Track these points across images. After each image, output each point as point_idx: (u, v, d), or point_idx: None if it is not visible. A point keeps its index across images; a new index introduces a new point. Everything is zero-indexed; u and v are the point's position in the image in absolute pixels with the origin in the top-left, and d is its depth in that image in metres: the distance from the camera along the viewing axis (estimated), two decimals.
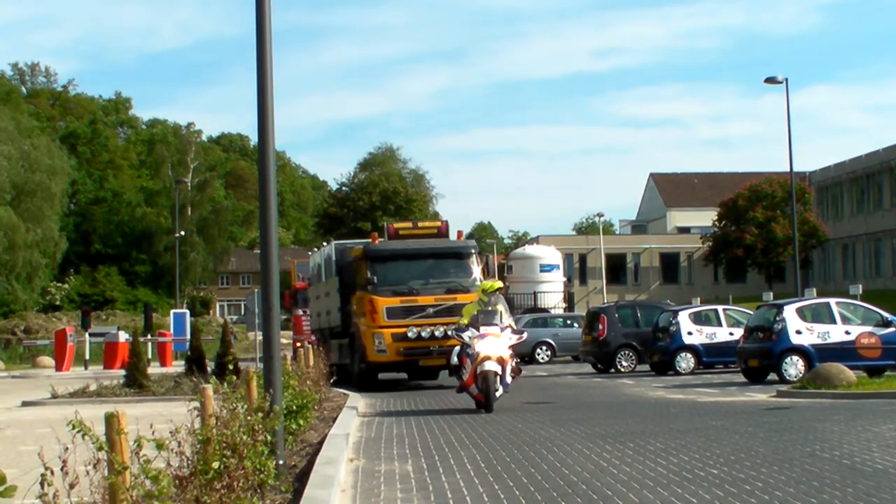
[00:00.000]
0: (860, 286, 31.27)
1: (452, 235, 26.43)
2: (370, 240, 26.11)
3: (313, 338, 47.18)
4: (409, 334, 24.17)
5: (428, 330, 24.18)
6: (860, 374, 20.95)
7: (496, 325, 17.69)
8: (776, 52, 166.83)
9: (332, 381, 26.20)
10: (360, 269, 25.36)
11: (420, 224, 27.25)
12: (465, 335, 17.57)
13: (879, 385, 19.63)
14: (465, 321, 18.02)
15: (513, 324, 18.58)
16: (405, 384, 27.43)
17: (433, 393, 23.34)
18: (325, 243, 32.03)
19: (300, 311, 45.16)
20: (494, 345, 17.32)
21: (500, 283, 19.05)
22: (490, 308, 17.89)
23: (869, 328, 23.21)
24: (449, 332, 20.27)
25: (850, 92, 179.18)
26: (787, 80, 39.49)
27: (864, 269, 68.56)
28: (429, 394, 23.13)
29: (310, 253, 34.47)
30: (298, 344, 34.55)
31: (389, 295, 24.47)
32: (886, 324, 23.32)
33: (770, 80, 39.80)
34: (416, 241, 25.56)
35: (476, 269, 25.29)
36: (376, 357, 24.55)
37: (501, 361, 17.22)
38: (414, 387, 26.41)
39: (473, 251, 25.65)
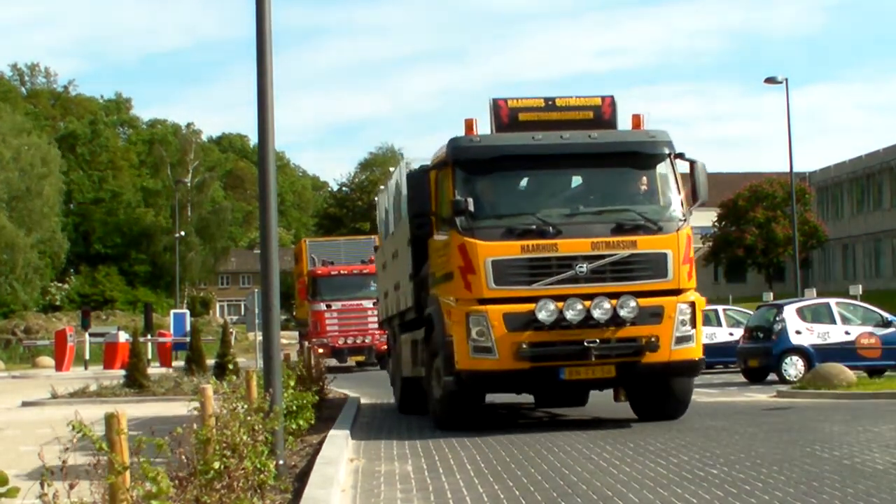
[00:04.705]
0: (860, 286, 31.25)
1: (623, 121, 14.46)
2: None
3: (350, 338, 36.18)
4: (542, 315, 12.87)
5: (579, 307, 12.92)
6: (860, 375, 20.98)
7: None
8: (776, 52, 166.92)
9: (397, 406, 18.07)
10: (440, 188, 13.92)
11: (559, 101, 14.35)
12: None
13: (879, 385, 19.66)
14: None
15: None
16: (526, 419, 16.04)
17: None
18: (391, 168, 19.66)
19: (322, 305, 36.60)
20: None
21: None
22: None
23: (869, 328, 23.25)
24: (625, 313, 12.60)
25: (850, 92, 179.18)
26: (787, 80, 39.48)
27: (864, 269, 68.58)
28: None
29: (376, 198, 22.84)
30: (320, 350, 29.24)
31: (499, 236, 13.16)
32: (886, 324, 23.37)
33: (770, 80, 39.77)
34: (554, 134, 13.79)
35: (674, 186, 13.92)
36: (473, 363, 13.04)
37: None
38: (559, 422, 14.95)
39: (667, 150, 13.97)
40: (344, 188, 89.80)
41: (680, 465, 10.04)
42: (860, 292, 29.51)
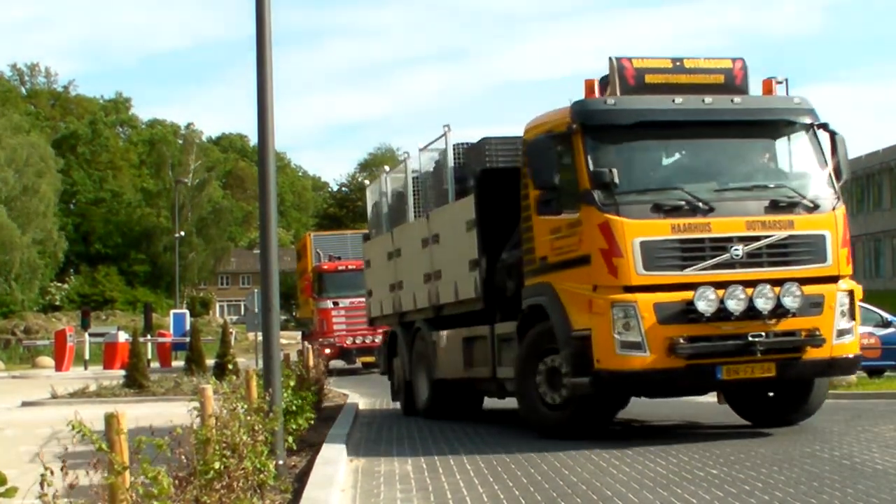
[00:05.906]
0: (860, 286, 31.24)
1: (754, 87, 13.12)
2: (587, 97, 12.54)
3: (335, 339, 33.98)
4: (702, 305, 11.29)
5: (741, 295, 11.38)
6: (860, 375, 20.94)
7: None
8: (776, 52, 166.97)
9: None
10: (568, 157, 12.03)
11: (688, 62, 12.86)
12: None
13: (879, 385, 19.67)
14: None
15: None
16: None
17: None
18: (407, 154, 17.52)
19: (329, 303, 34.46)
20: None
21: None
22: None
23: (869, 328, 23.20)
24: (789, 302, 11.38)
25: (850, 92, 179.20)
26: (787, 80, 39.35)
27: (864, 269, 68.52)
28: None
29: (368, 181, 21.67)
30: (327, 350, 28.02)
31: (646, 213, 11.60)
32: (886, 324, 23.35)
33: (770, 80, 39.73)
34: (695, 98, 12.33)
35: (821, 160, 12.51)
36: (619, 360, 11.30)
37: None
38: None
39: (812, 120, 12.67)
40: (344, 188, 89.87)
41: (680, 464, 10.03)
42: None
